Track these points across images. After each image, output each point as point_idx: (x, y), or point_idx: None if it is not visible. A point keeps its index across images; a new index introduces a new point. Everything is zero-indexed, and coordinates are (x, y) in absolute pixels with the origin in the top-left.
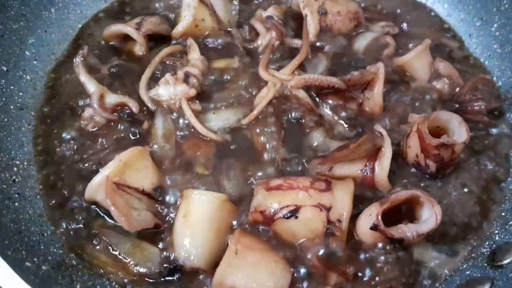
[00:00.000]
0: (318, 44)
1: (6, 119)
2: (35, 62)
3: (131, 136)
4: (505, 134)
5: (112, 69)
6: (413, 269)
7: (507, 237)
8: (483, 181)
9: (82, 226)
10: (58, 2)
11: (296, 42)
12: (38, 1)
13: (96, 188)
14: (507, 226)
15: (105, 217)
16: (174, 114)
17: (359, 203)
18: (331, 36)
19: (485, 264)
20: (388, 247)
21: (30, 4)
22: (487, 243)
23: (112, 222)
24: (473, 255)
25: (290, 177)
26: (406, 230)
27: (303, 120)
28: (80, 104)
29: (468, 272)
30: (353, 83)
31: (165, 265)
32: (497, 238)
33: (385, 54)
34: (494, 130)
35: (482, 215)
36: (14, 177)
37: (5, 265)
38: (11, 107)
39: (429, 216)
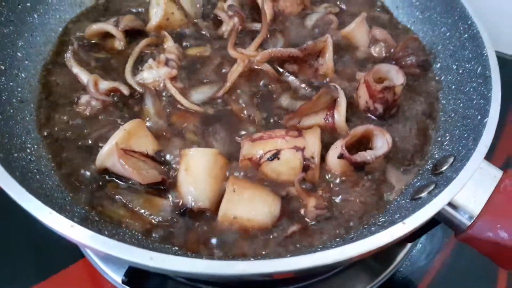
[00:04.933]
0: (274, 26)
1: (11, 111)
2: (26, 62)
3: (125, 116)
4: (432, 79)
5: (97, 63)
6: (376, 188)
7: (443, 154)
8: (421, 116)
9: (96, 190)
10: (39, 8)
11: (256, 26)
12: (22, 8)
13: (106, 155)
14: (443, 146)
15: (116, 180)
16: (161, 93)
17: (325, 146)
18: (284, 19)
19: (430, 175)
20: (354, 173)
21: (16, 11)
22: (429, 162)
23: (124, 184)
24: (420, 172)
25: (268, 131)
26: (366, 155)
27: (271, 88)
28: (73, 94)
29: (418, 184)
30: (309, 52)
31: (175, 211)
32: (436, 156)
33: (330, 29)
34: (424, 78)
35: (423, 141)
36: (29, 157)
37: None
38: (13, 100)
39: (382, 143)
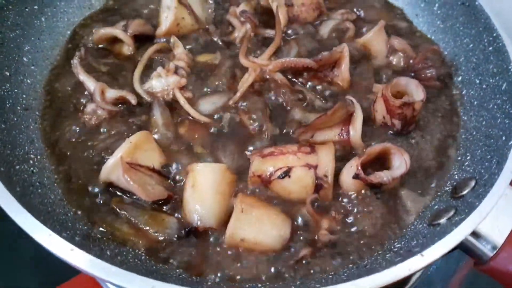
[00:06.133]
0: (288, 33)
1: (15, 119)
2: (32, 67)
3: (132, 126)
4: (454, 94)
5: (104, 69)
6: (392, 210)
7: (464, 175)
8: (440, 133)
9: (100, 205)
10: (47, 11)
11: (269, 32)
12: (30, 11)
13: (111, 169)
14: (463, 167)
15: (121, 195)
16: (169, 102)
17: (339, 163)
18: (298, 26)
19: (449, 198)
20: (369, 194)
21: (23, 14)
22: (448, 183)
23: (129, 199)
24: (438, 193)
25: (279, 145)
26: (382, 176)
27: (284, 99)
28: (80, 102)
29: (436, 207)
30: (324, 63)
31: (181, 229)
32: (456, 177)
33: (346, 37)
34: (445, 91)
35: (443, 160)
36: (32, 169)
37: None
38: (18, 108)
39: (400, 163)
